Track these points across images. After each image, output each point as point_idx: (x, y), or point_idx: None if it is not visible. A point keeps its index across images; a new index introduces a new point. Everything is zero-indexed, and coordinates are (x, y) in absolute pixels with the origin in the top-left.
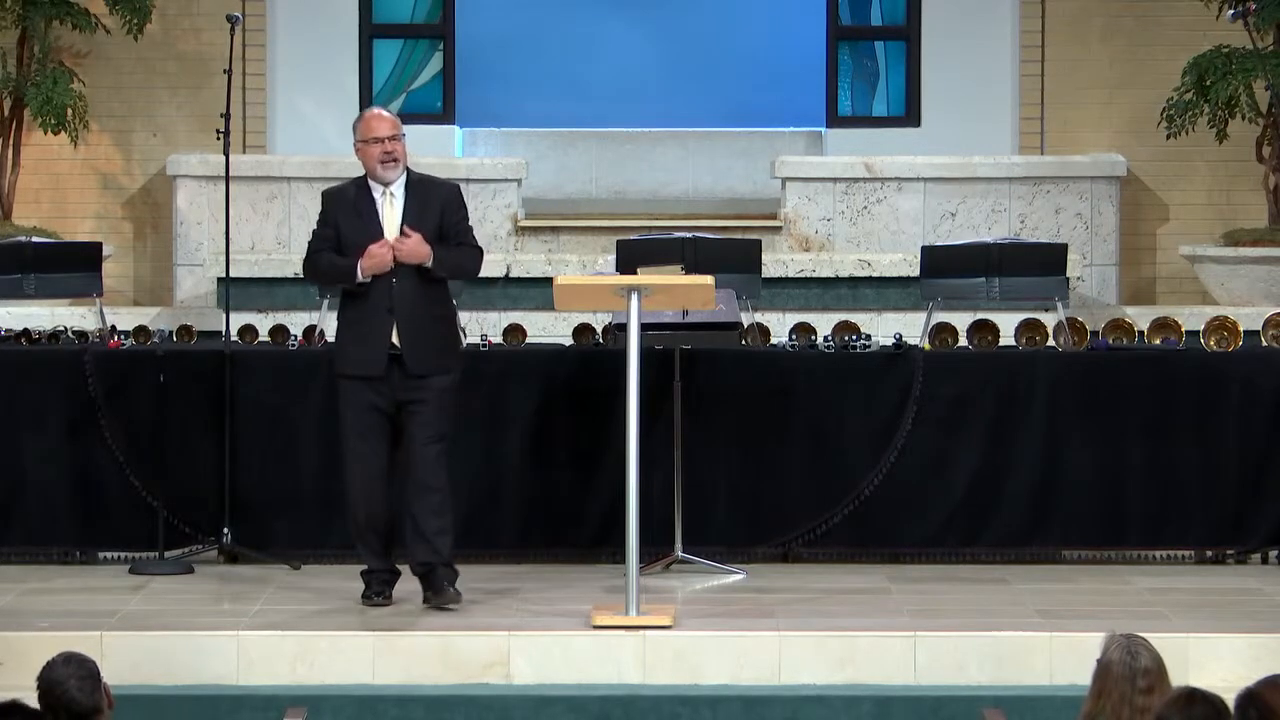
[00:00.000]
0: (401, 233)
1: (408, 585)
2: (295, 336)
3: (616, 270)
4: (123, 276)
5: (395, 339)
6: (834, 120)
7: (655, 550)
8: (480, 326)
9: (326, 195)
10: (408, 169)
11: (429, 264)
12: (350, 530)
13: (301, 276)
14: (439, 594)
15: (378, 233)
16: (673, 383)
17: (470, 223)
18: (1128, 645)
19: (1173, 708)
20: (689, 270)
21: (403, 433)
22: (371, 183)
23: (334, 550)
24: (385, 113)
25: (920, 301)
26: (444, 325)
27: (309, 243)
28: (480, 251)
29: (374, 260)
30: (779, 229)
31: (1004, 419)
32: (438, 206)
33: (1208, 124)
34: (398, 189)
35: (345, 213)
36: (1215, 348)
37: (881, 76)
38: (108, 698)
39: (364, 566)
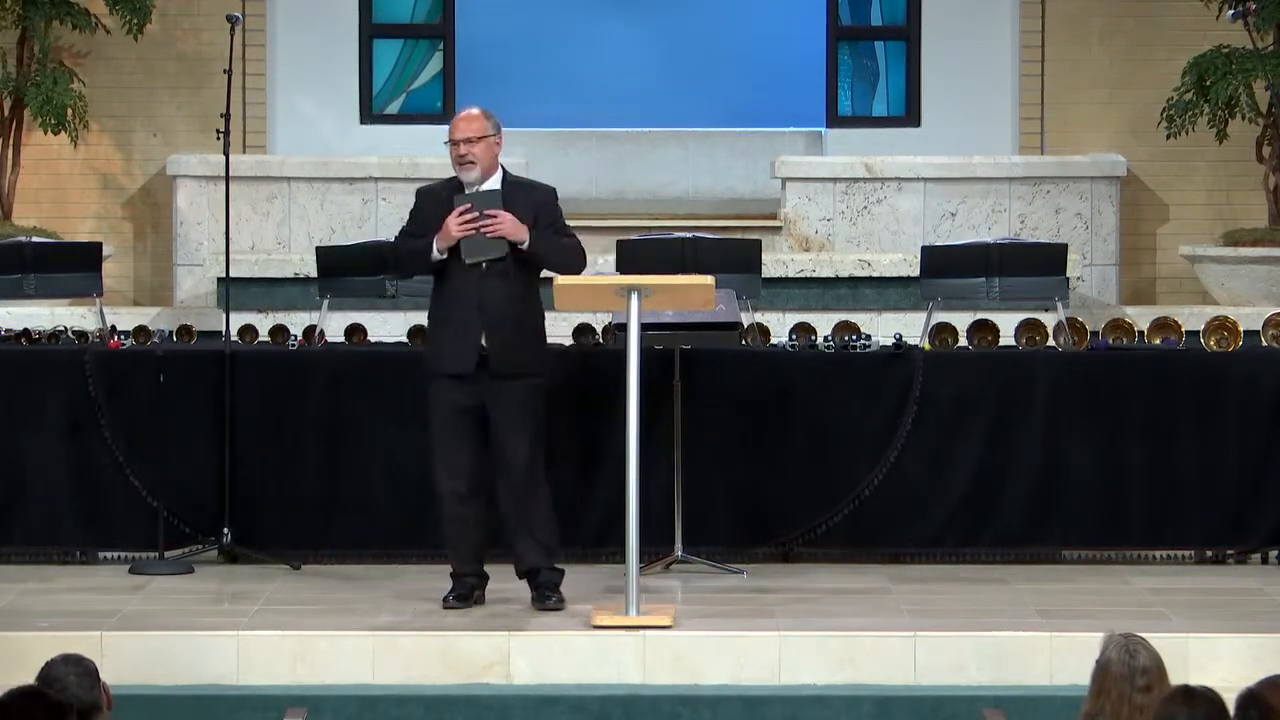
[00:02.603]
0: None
1: (395, 582)
2: (295, 336)
3: (617, 270)
4: (123, 276)
5: (484, 338)
6: (834, 120)
7: (655, 550)
8: None
9: (420, 193)
10: (504, 170)
11: (524, 244)
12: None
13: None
14: (542, 598)
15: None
16: (673, 383)
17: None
18: (1126, 644)
19: (1172, 706)
20: (689, 270)
21: (492, 434)
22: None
23: (334, 550)
24: (470, 113)
25: (920, 301)
26: (530, 325)
27: (396, 235)
28: (580, 246)
29: (443, 232)
30: (779, 229)
31: (1004, 419)
32: (530, 209)
33: (1208, 124)
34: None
35: (436, 210)
36: (1215, 348)
37: (881, 76)
38: (107, 697)
39: (449, 568)
